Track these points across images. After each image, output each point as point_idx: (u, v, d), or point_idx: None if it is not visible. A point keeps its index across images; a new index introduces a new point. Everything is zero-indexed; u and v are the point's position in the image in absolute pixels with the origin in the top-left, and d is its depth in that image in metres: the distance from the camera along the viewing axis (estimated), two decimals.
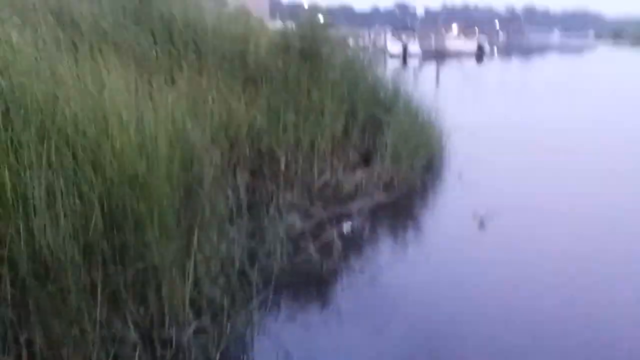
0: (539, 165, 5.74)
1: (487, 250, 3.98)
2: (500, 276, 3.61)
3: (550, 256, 3.83)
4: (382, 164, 5.09)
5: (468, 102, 7.74)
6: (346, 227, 3.38)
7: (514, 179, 5.35)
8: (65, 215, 2.29)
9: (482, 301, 3.33)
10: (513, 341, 2.93)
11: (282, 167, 4.53)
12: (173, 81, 4.04)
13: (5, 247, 2.16)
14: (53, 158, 2.36)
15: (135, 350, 2.36)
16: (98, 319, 2.26)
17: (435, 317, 3.15)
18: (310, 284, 3.51)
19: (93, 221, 2.39)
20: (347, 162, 5.04)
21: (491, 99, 8.22)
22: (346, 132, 5.12)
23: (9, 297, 2.13)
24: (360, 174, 4.95)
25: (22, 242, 2.17)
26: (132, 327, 2.36)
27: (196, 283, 2.68)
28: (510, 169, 5.58)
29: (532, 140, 6.34)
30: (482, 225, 4.24)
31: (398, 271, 3.70)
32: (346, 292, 3.46)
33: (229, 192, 3.59)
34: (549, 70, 11.10)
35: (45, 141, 2.39)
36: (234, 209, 3.56)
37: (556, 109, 7.82)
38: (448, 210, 4.73)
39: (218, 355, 2.59)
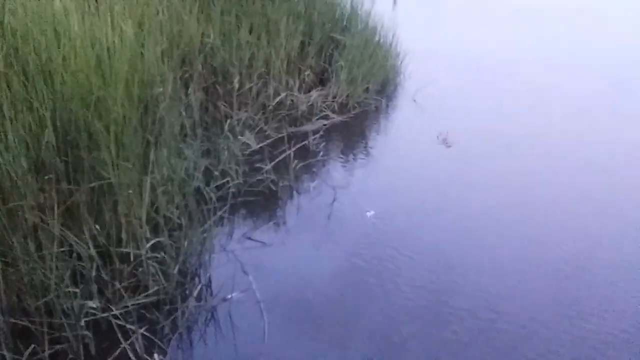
0: (496, 92, 5.71)
1: (436, 168, 4.18)
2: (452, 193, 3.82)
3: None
4: (337, 85, 5.08)
5: (428, 25, 7.62)
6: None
7: (468, 101, 5.42)
8: (14, 130, 2.23)
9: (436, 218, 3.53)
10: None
11: (236, 85, 4.46)
12: None
13: None
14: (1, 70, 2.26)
15: (93, 264, 2.40)
16: (55, 235, 2.26)
17: (387, 231, 3.34)
18: (265, 202, 3.59)
19: (45, 137, 2.35)
20: (302, 82, 5.00)
21: (453, 24, 8.06)
22: (302, 51, 5.04)
23: None
24: (315, 95, 4.93)
25: None
26: (90, 243, 2.38)
27: (153, 201, 2.69)
28: (465, 93, 5.61)
29: (492, 69, 6.25)
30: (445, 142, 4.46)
31: (354, 188, 3.83)
32: (300, 210, 3.57)
33: (182, 111, 3.54)
34: None
35: None
36: (188, 128, 3.53)
37: (522, 39, 7.52)
38: (401, 131, 4.85)
39: (176, 270, 2.67)
